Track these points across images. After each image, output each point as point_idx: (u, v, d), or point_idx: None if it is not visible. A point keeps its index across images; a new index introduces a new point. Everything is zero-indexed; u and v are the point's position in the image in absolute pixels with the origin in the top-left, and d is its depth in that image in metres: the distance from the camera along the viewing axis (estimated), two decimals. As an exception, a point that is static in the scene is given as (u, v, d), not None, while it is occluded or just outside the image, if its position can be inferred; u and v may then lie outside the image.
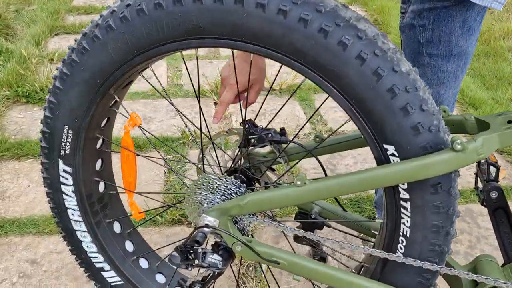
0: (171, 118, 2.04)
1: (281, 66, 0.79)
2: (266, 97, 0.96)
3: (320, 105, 0.90)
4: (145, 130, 0.99)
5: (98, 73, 0.85)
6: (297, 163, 0.97)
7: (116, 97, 0.92)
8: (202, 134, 0.96)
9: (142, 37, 0.80)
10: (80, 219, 1.00)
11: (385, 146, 0.74)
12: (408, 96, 0.71)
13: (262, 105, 0.96)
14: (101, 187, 1.02)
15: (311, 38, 0.71)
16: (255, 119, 0.99)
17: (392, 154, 0.74)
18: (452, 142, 0.70)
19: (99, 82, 0.86)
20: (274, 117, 0.98)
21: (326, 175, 0.95)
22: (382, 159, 0.75)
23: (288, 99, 0.94)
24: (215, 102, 2.16)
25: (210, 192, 0.86)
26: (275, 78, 0.89)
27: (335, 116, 2.11)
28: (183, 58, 0.92)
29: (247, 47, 0.76)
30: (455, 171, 0.74)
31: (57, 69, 0.88)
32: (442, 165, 0.70)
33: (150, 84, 1.01)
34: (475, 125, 0.82)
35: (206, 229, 0.83)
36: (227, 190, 0.85)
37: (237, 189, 0.86)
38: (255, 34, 0.74)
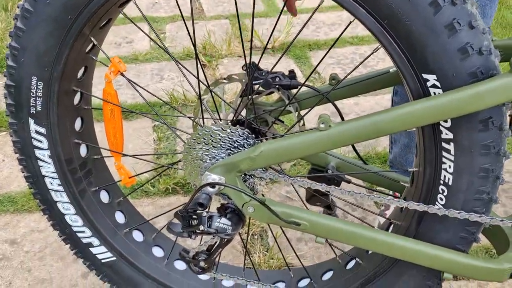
0: (157, 82, 1.88)
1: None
2: (261, 57, 0.81)
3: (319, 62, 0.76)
4: (132, 82, 0.83)
5: (68, 6, 0.69)
6: (310, 110, 0.83)
7: (93, 39, 0.77)
8: (200, 82, 0.82)
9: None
10: (61, 188, 0.86)
11: (424, 76, 0.61)
12: (454, 10, 0.58)
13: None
14: (83, 150, 0.88)
15: None
16: (259, 62, 0.85)
17: (434, 86, 0.61)
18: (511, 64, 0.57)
19: (69, 19, 0.70)
20: (273, 67, 0.84)
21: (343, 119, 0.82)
22: (420, 93, 0.62)
23: (282, 55, 0.79)
24: (203, 64, 2.00)
25: (213, 147, 0.72)
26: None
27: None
28: None
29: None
30: (508, 103, 0.62)
31: (17, 7, 0.72)
32: (498, 93, 0.57)
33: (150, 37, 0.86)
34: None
35: (210, 189, 0.69)
36: (233, 143, 0.72)
37: (245, 140, 0.72)
38: None
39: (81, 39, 0.74)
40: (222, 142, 0.72)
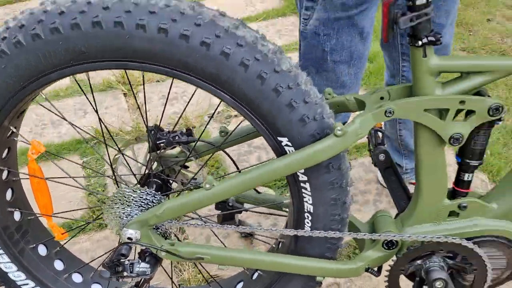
0: (81, 117, 1.98)
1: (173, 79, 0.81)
2: (172, 81, 0.97)
3: (218, 105, 0.94)
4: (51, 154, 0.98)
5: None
6: (209, 159, 1.02)
7: (12, 128, 0.90)
8: (112, 146, 0.98)
9: (28, 68, 0.78)
10: (1, 251, 0.99)
11: (279, 138, 0.82)
12: (291, 92, 0.78)
13: (165, 106, 0.99)
14: (17, 215, 1.01)
15: (195, 52, 0.75)
16: (160, 122, 1.02)
17: (287, 145, 0.82)
18: (334, 128, 0.79)
19: (-11, 117, 0.84)
20: (182, 113, 1.02)
21: (237, 167, 1.02)
22: (278, 150, 0.83)
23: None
24: (124, 93, 2.12)
25: (127, 206, 0.90)
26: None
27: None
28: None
29: (137, 66, 0.78)
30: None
31: None
32: (327, 151, 0.79)
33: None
34: (355, 104, 0.92)
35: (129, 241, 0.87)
36: (144, 201, 0.89)
37: (153, 197, 0.90)
38: (141, 53, 0.76)
39: (2, 130, 0.88)
40: (135, 201, 0.89)
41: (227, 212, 1.05)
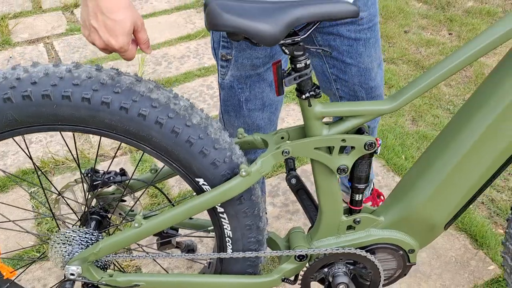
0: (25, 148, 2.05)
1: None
2: (100, 138, 1.10)
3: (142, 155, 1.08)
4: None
5: None
6: (142, 194, 1.15)
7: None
8: (51, 189, 1.09)
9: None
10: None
11: (196, 179, 0.97)
12: (202, 142, 0.93)
13: (98, 148, 1.11)
14: (-34, 259, 1.11)
15: (116, 115, 0.88)
16: (95, 165, 1.15)
17: (203, 184, 0.97)
18: (240, 170, 0.94)
19: None
20: (108, 168, 1.15)
21: (169, 200, 1.16)
22: (197, 189, 0.98)
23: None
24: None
25: (69, 245, 1.02)
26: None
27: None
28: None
29: (68, 128, 0.90)
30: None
31: None
32: (235, 189, 0.94)
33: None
34: (261, 142, 1.08)
35: (71, 277, 0.99)
36: (83, 240, 1.02)
37: (91, 235, 1.02)
38: (69, 118, 0.88)
39: None
40: (75, 241, 1.02)
41: (164, 240, 1.18)
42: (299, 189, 1.17)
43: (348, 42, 1.18)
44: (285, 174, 1.20)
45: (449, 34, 2.74)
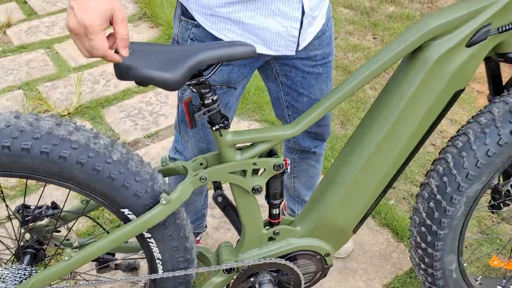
0: (-39, 178, 2.03)
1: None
2: (26, 180, 1.15)
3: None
4: None
5: None
6: (74, 223, 1.21)
7: None
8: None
9: None
10: None
11: (121, 210, 1.04)
12: (123, 176, 1.01)
13: (25, 188, 1.16)
14: None
15: (37, 159, 0.94)
16: (24, 200, 1.20)
17: (129, 214, 1.05)
18: (161, 199, 1.03)
19: None
20: (38, 203, 1.19)
21: (104, 229, 1.22)
22: (123, 218, 1.06)
23: None
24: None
25: (2, 282, 1.06)
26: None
27: (126, 127, 2.35)
28: None
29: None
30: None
31: None
32: (158, 217, 1.03)
33: None
34: (183, 169, 1.17)
35: (8, 313, 1.04)
36: (16, 276, 1.07)
37: (24, 271, 1.08)
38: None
39: None
40: (8, 277, 1.06)
41: (101, 265, 1.25)
42: (225, 206, 1.26)
43: (302, 74, 1.29)
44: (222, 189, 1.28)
45: (374, 38, 2.92)
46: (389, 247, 1.75)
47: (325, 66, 1.31)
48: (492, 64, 1.15)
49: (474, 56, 1.03)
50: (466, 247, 1.75)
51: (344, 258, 1.72)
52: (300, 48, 1.18)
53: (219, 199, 1.25)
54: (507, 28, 0.99)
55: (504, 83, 1.20)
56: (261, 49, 1.14)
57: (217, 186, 1.25)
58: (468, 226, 1.83)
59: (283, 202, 1.85)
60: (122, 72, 0.89)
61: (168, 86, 0.90)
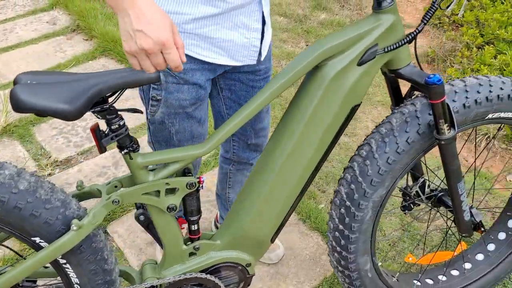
0: None
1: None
2: None
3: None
4: None
5: None
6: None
7: None
8: None
9: None
10: None
11: (32, 238, 1.04)
12: (31, 205, 1.01)
13: None
14: None
15: None
16: None
17: (40, 242, 1.05)
18: (72, 225, 1.03)
19: None
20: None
21: (21, 256, 1.21)
22: (35, 247, 1.06)
23: None
24: None
25: None
26: None
27: (58, 145, 2.30)
28: None
29: None
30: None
31: None
32: (70, 243, 1.04)
33: None
34: (98, 192, 1.18)
35: None
36: None
37: None
38: None
39: None
40: None
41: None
42: (148, 224, 1.28)
43: (246, 88, 1.36)
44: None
45: (307, 45, 3.02)
46: (319, 250, 1.83)
47: (266, 80, 1.39)
48: (391, 77, 1.25)
49: (366, 73, 1.11)
50: (390, 245, 1.86)
51: (276, 264, 1.78)
52: (262, 58, 1.27)
53: (141, 217, 1.26)
54: (392, 48, 1.08)
55: (404, 95, 1.30)
56: (225, 61, 1.21)
57: (139, 205, 1.27)
58: (391, 224, 1.95)
59: (216, 214, 1.90)
60: (18, 105, 0.89)
61: (67, 117, 0.91)
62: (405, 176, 1.56)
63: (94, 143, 2.31)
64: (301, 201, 1.96)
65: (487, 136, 2.31)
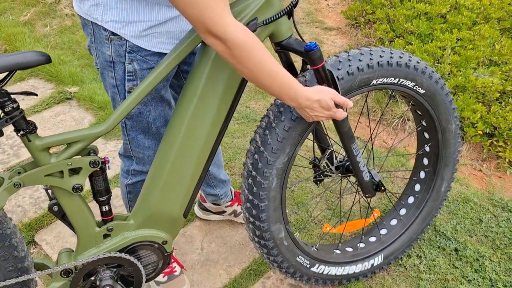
0: None
1: None
2: None
3: None
4: None
5: None
6: None
7: None
8: None
9: None
10: None
11: None
12: None
13: None
14: None
15: None
16: None
17: None
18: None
19: None
20: None
21: None
22: None
23: None
24: None
25: None
26: None
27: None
28: None
29: None
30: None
31: None
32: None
33: None
34: (1, 180, 1.19)
35: None
36: None
37: None
38: None
39: None
40: None
41: None
42: (63, 215, 1.30)
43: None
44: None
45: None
46: (248, 236, 1.89)
47: None
48: (282, 54, 1.35)
49: (250, 45, 1.20)
50: (310, 217, 1.94)
51: (206, 252, 1.82)
52: None
53: (55, 208, 1.28)
54: (270, 20, 1.18)
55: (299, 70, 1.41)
56: None
57: (53, 197, 1.29)
58: (307, 195, 2.04)
59: (198, 194, 1.91)
60: None
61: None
62: (313, 149, 1.67)
63: (21, 158, 2.30)
64: (230, 192, 2.02)
65: (402, 119, 2.48)
